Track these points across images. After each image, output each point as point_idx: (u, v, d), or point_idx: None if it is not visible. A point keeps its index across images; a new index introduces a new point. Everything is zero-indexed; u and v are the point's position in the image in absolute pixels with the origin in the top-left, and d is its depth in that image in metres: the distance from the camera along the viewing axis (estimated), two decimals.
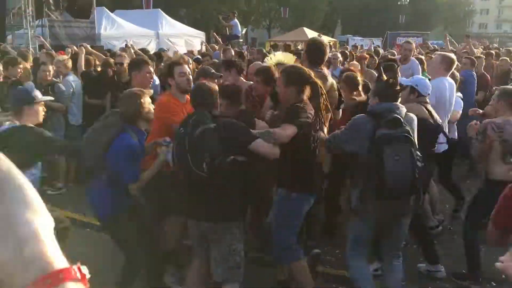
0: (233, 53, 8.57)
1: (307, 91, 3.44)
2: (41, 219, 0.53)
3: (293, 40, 24.39)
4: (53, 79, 6.33)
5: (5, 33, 14.79)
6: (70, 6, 15.10)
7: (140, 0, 25.76)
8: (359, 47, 16.55)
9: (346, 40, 33.12)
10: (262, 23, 45.84)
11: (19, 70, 5.92)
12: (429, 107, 4.38)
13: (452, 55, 5.54)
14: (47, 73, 6.13)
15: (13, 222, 0.51)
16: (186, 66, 4.02)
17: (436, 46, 15.17)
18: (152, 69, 4.59)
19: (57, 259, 0.52)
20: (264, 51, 11.59)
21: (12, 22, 15.38)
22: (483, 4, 72.62)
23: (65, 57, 7.08)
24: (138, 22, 18.30)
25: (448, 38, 12.28)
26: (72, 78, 6.53)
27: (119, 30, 17.04)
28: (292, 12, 41.12)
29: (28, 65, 7.08)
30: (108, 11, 18.12)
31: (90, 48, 8.68)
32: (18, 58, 6.31)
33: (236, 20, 15.55)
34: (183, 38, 19.14)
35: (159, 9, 20.97)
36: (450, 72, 5.25)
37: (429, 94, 4.56)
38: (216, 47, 12.15)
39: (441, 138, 4.32)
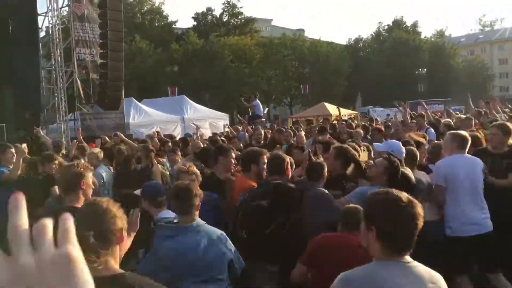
0: (262, 132, 8.74)
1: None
2: None
3: (315, 116, 24.86)
4: None
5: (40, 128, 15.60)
6: (100, 99, 15.92)
7: (166, 89, 27.08)
8: (375, 120, 16.75)
9: (367, 111, 33.56)
10: (283, 100, 47.13)
11: (54, 166, 6.15)
12: (406, 170, 4.44)
13: (464, 133, 5.11)
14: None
15: None
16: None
17: (458, 112, 15.22)
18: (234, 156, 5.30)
19: None
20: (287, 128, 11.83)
21: (46, 118, 16.25)
22: (501, 68, 73.28)
23: (97, 149, 7.36)
24: (164, 109, 19.09)
25: (470, 99, 12.30)
26: (103, 169, 6.72)
27: (147, 118, 17.77)
28: (311, 88, 42.30)
29: (60, 158, 7.37)
30: (136, 101, 19.03)
31: (123, 137, 9.05)
32: (54, 155, 6.56)
33: (257, 100, 16.02)
34: (207, 121, 19.75)
35: (184, 96, 21.89)
36: (466, 149, 4.80)
37: (405, 158, 4.64)
38: (240, 128, 12.45)
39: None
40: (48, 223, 0.63)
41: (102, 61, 15.62)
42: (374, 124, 12.92)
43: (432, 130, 8.79)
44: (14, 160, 6.04)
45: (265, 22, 64.02)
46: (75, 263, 0.61)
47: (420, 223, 2.08)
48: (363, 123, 14.15)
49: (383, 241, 2.10)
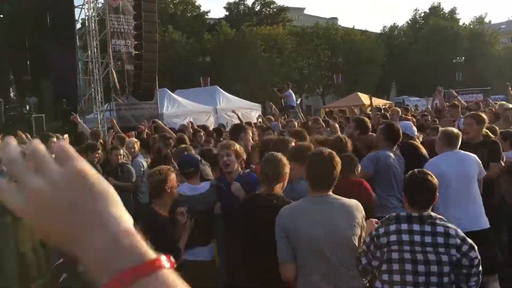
0: (296, 124, 8.66)
1: None
2: (126, 216, 0.61)
3: (348, 106, 24.51)
4: (123, 160, 6.68)
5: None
6: (135, 90, 16.17)
7: (199, 79, 27.26)
8: (410, 108, 16.34)
9: (402, 101, 32.84)
10: (316, 90, 46.67)
11: (97, 155, 6.30)
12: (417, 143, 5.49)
13: (451, 129, 4.94)
14: (119, 157, 6.49)
15: (106, 217, 0.59)
16: None
17: (498, 100, 14.65)
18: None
19: (149, 251, 0.58)
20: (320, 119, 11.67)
21: (83, 108, 16.65)
22: None
23: (134, 139, 7.49)
24: (197, 100, 19.24)
25: (510, 88, 11.66)
26: (142, 158, 6.86)
27: (180, 109, 17.95)
28: (344, 78, 41.69)
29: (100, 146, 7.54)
30: (169, 91, 19.23)
31: (162, 124, 9.19)
32: (98, 144, 6.73)
33: (290, 90, 15.89)
34: (240, 111, 19.74)
35: (217, 86, 21.98)
36: (454, 145, 4.63)
37: (417, 135, 5.71)
38: (273, 118, 12.38)
39: None
40: (39, 143, 0.62)
41: (137, 52, 15.84)
42: (409, 114, 12.63)
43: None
44: None
45: (297, 11, 63.35)
46: (88, 175, 0.60)
47: (336, 169, 3.03)
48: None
49: (309, 180, 3.12)
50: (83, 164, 0.61)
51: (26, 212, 0.59)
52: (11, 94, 18.00)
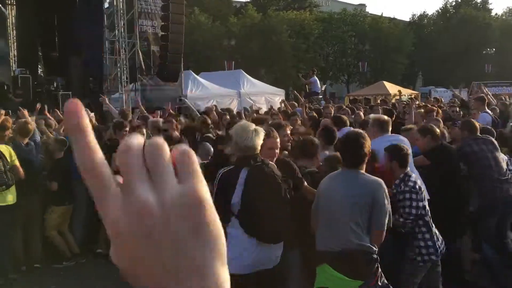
0: (332, 110, 8.60)
1: None
2: (226, 274, 0.47)
3: (373, 94, 24.19)
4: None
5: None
6: (160, 71, 16.23)
7: (223, 62, 27.22)
8: (440, 99, 15.97)
9: (429, 91, 32.24)
10: (341, 77, 46.15)
11: (124, 133, 6.38)
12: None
13: (381, 116, 5.56)
14: (143, 136, 6.58)
15: (208, 272, 0.45)
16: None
17: None
18: None
19: None
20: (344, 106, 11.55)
21: (109, 87, 16.82)
22: None
23: (157, 119, 7.57)
24: (221, 83, 19.21)
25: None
26: None
27: (204, 91, 17.96)
28: (370, 66, 41.07)
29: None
30: (194, 74, 19.25)
31: (189, 104, 9.26)
32: (124, 122, 6.82)
33: (315, 77, 15.75)
34: (263, 96, 19.70)
35: (241, 70, 21.90)
36: (387, 130, 5.17)
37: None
38: (296, 104, 12.31)
39: None
40: (166, 145, 0.46)
41: (163, 33, 15.85)
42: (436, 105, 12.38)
43: (486, 114, 8.07)
44: None
45: None
46: (208, 209, 0.45)
47: (365, 149, 3.45)
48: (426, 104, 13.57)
49: (342, 157, 3.74)
50: (206, 190, 0.46)
51: (128, 226, 0.44)
52: (39, 71, 18.28)
